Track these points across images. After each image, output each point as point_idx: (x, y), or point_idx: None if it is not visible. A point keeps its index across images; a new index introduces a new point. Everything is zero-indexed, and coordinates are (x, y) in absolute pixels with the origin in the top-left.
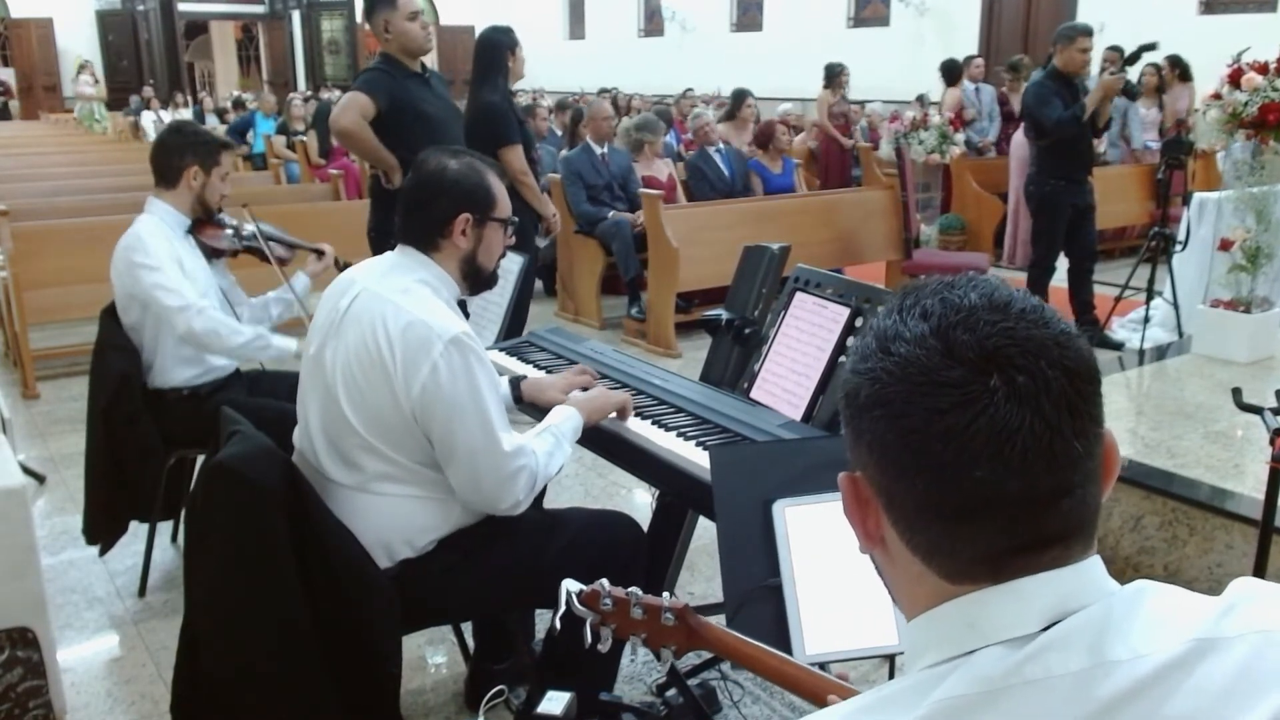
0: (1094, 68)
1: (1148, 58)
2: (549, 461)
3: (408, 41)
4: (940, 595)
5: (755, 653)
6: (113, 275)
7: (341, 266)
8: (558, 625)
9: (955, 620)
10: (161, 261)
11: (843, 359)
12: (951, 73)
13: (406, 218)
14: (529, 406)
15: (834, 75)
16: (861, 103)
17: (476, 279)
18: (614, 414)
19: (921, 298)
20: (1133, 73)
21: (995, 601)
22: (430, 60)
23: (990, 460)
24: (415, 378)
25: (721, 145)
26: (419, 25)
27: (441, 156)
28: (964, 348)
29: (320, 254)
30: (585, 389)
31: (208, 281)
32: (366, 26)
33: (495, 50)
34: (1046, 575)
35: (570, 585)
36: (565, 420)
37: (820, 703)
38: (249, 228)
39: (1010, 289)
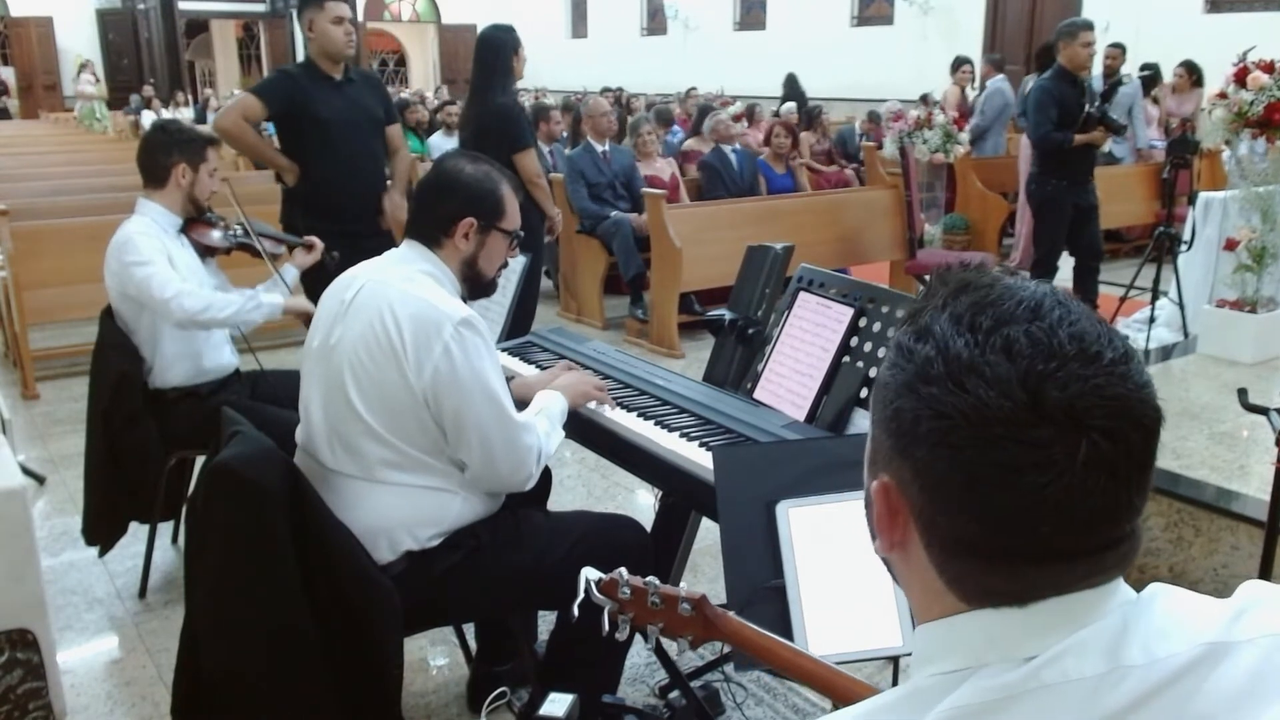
0: (1097, 67)
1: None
2: (548, 440)
3: (327, 44)
4: (957, 609)
5: (770, 644)
6: (106, 277)
7: (334, 261)
8: (575, 613)
9: (974, 633)
10: (152, 257)
11: (846, 359)
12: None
13: (415, 212)
14: (518, 405)
15: (814, 116)
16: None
17: (475, 283)
18: (593, 401)
19: (1002, 322)
20: (1134, 72)
21: (1018, 623)
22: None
23: (1055, 519)
24: (427, 360)
25: (738, 145)
26: (342, 30)
27: (460, 159)
28: (1054, 406)
29: (309, 247)
30: None
31: (200, 279)
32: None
33: (500, 50)
34: (1074, 596)
35: (589, 573)
36: (553, 404)
37: (833, 696)
38: (239, 224)
39: (1093, 321)
